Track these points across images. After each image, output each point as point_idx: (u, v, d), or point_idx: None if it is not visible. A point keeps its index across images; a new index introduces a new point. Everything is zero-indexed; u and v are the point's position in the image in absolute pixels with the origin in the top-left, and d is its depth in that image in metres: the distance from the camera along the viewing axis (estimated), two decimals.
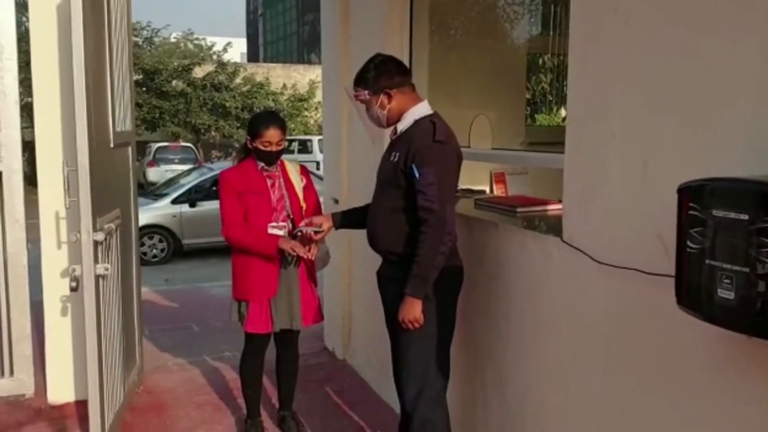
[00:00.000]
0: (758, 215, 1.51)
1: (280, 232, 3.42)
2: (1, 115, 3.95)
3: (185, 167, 20.17)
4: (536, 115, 11.45)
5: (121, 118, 3.87)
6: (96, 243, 3.23)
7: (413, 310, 2.66)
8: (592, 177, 2.37)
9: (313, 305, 3.62)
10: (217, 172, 12.94)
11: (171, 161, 21.92)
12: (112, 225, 3.55)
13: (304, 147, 23.65)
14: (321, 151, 22.89)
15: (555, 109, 10.60)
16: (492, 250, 3.01)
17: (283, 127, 3.47)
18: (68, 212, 3.72)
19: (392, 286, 2.82)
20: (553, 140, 5.08)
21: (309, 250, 3.34)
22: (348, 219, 3.29)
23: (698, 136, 1.91)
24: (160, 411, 4.10)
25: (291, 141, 24.56)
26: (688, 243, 1.70)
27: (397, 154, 2.75)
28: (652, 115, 2.09)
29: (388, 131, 3.02)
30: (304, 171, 3.69)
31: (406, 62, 4.03)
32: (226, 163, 19.06)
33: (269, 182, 3.49)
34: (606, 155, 2.29)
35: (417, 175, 2.63)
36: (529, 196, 3.66)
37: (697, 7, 1.91)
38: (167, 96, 25.59)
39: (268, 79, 28.06)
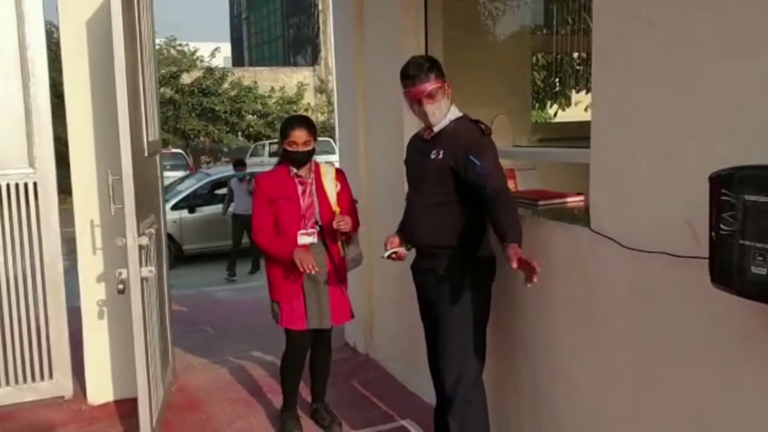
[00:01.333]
0: None
1: (309, 239, 3.55)
2: (35, 129, 4.09)
3: (177, 174, 20.24)
4: (543, 111, 11.69)
5: (152, 128, 4.03)
6: (140, 247, 3.39)
7: (519, 252, 2.53)
8: (618, 169, 2.57)
9: (343, 305, 3.76)
10: (214, 177, 13.08)
11: (163, 168, 21.97)
12: (152, 230, 3.71)
13: None
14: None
15: (549, 104, 10.84)
16: None
17: (309, 127, 3.57)
18: (108, 219, 3.88)
19: (431, 277, 3.02)
20: (559, 136, 5.33)
21: (314, 267, 3.42)
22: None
23: (721, 127, 2.11)
24: (195, 408, 4.26)
25: None
26: (721, 226, 1.90)
27: (442, 152, 2.95)
28: (675, 110, 2.29)
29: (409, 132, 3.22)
30: (340, 175, 3.76)
31: None
32: (222, 168, 19.21)
33: (300, 188, 3.59)
34: (632, 149, 2.49)
35: (479, 163, 2.83)
36: (547, 190, 3.85)
37: (719, 4, 2.11)
38: None
39: (255, 82, 28.16)
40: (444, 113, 3.02)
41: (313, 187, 3.62)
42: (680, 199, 2.24)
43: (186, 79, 26.61)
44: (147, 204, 3.79)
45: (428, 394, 3.60)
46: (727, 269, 1.91)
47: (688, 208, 2.17)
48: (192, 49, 34.00)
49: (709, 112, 2.16)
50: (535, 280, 2.46)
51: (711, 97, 2.15)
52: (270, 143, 25.08)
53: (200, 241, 11.22)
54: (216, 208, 11.46)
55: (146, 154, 3.82)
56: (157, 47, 27.55)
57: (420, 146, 3.13)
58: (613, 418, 2.70)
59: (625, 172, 2.53)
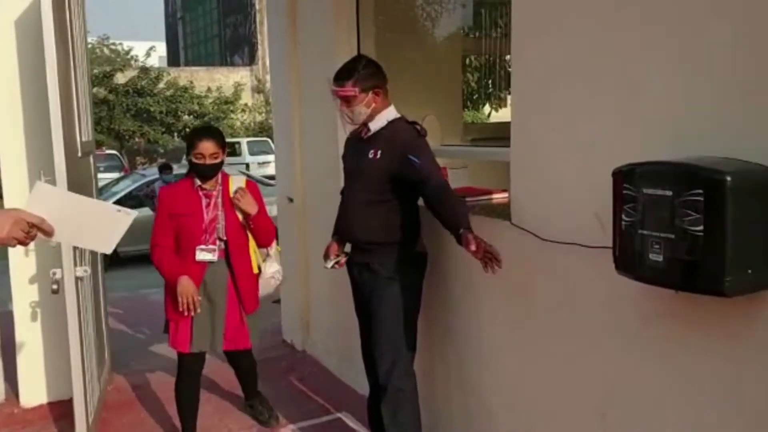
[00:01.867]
0: (680, 191, 1.88)
1: (209, 256, 3.39)
2: None
3: (112, 175, 19.84)
4: (464, 112, 11.94)
5: (85, 128, 4.02)
6: (74, 247, 3.40)
7: (475, 239, 2.69)
8: (535, 167, 2.74)
9: (240, 330, 3.55)
10: (149, 178, 12.89)
11: (96, 169, 21.53)
12: None
13: (233, 149, 23.60)
14: (250, 153, 23.07)
15: (481, 106, 11.12)
16: (447, 236, 3.33)
17: (217, 139, 3.41)
18: None
19: (366, 272, 3.14)
20: (489, 136, 5.51)
21: (195, 307, 3.34)
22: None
23: (626, 127, 2.29)
24: (132, 407, 4.28)
25: None
26: (623, 217, 2.07)
27: (380, 152, 3.06)
28: (586, 111, 2.46)
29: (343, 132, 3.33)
30: (252, 186, 3.57)
31: None
32: (154, 169, 18.89)
33: (205, 201, 3.43)
34: (547, 148, 2.66)
35: (417, 161, 2.95)
36: (475, 187, 4.01)
37: (624, 18, 2.29)
38: None
39: (192, 82, 27.85)
40: (360, 118, 3.12)
41: (219, 199, 3.45)
42: (590, 194, 2.41)
43: (120, 78, 26.13)
44: None
45: (363, 387, 3.70)
46: (629, 257, 2.08)
47: (597, 202, 2.34)
48: (126, 48, 33.35)
49: (614, 112, 2.34)
50: (497, 267, 2.62)
51: (616, 98, 2.33)
52: None
53: (136, 244, 10.98)
54: (150, 210, 11.29)
55: (79, 155, 3.82)
56: (90, 46, 27.05)
57: (357, 145, 3.24)
58: (534, 400, 2.87)
59: (541, 169, 2.70)
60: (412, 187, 3.02)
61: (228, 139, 25.44)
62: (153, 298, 7.55)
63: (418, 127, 3.12)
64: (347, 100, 3.08)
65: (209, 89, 28.00)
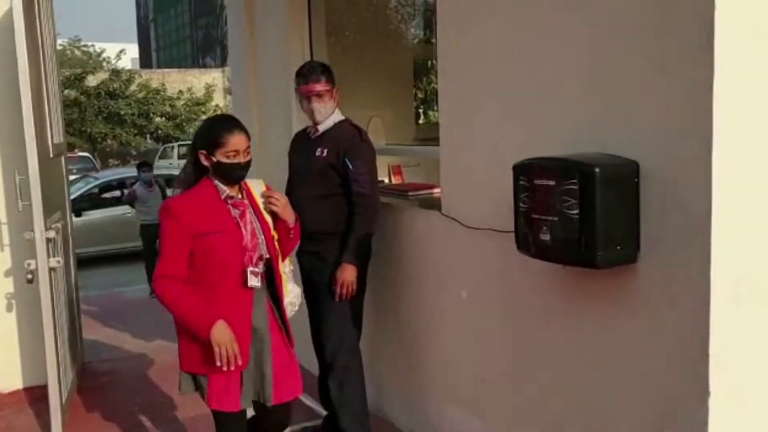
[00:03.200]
0: (561, 181, 2.25)
1: (256, 280, 2.66)
2: None
3: None
4: (429, 113, 12.27)
5: (57, 130, 4.31)
6: (48, 240, 3.70)
7: (351, 274, 3.32)
8: (459, 163, 3.10)
9: (289, 370, 2.83)
10: (101, 180, 12.82)
11: (68, 171, 21.54)
12: (59, 225, 4.01)
13: None
14: None
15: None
16: (390, 226, 3.69)
17: (245, 129, 2.71)
18: (16, 216, 4.12)
19: (316, 259, 3.46)
20: (437, 135, 5.87)
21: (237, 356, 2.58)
22: None
23: (527, 129, 2.66)
24: (103, 392, 4.57)
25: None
26: (521, 204, 2.44)
27: (326, 150, 3.38)
28: (499, 115, 2.83)
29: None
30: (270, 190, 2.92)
31: None
32: (111, 171, 18.81)
33: (235, 212, 2.68)
34: (469, 146, 3.02)
35: (351, 167, 3.30)
36: (419, 182, 4.37)
37: (523, 34, 2.66)
38: None
39: (164, 84, 27.97)
40: (329, 114, 3.44)
41: (250, 209, 2.76)
42: (501, 186, 2.76)
43: (92, 81, 26.17)
44: (53, 202, 4.08)
45: (315, 368, 3.99)
46: (525, 238, 2.44)
47: (506, 193, 2.70)
48: (98, 50, 33.33)
49: (518, 116, 2.71)
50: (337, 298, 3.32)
51: (520, 104, 2.70)
52: (179, 145, 24.96)
53: (89, 245, 10.89)
54: (106, 212, 11.43)
55: (51, 156, 4.11)
56: (61, 48, 26.85)
57: (305, 143, 3.55)
58: (465, 373, 3.23)
59: (463, 165, 3.07)
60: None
61: None
62: (126, 296, 7.86)
63: (362, 132, 3.46)
64: (320, 96, 3.37)
65: (181, 91, 28.12)
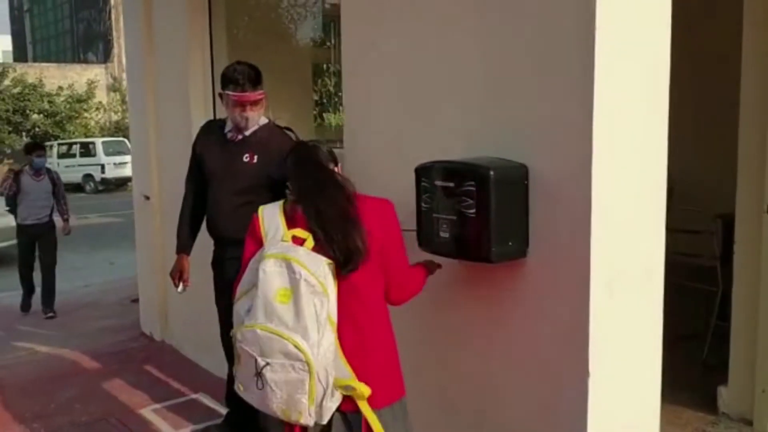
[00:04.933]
0: (459, 183, 2.44)
1: None
2: None
3: None
4: (325, 115, 12.38)
5: None
6: None
7: None
8: (361, 165, 3.24)
9: None
10: None
11: None
12: None
13: (87, 150, 22.82)
14: (106, 154, 22.37)
15: (341, 109, 11.61)
16: None
17: None
18: None
19: (237, 264, 3.47)
20: (338, 138, 6.00)
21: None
22: (192, 240, 3.62)
23: (430, 134, 2.84)
24: None
25: (72, 144, 23.58)
26: (423, 204, 2.61)
27: (257, 157, 3.32)
28: (402, 119, 2.99)
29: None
30: None
31: (208, 69, 4.71)
32: None
33: None
34: (373, 148, 3.17)
35: None
36: None
37: (426, 39, 2.84)
38: None
39: (41, 80, 26.61)
40: (258, 120, 3.38)
41: None
42: (407, 186, 2.92)
43: None
44: None
45: (220, 370, 4.01)
46: (427, 236, 2.62)
47: (410, 193, 2.87)
48: None
49: (421, 119, 2.88)
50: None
51: (423, 109, 2.87)
52: (59, 144, 23.85)
53: None
54: None
55: None
56: None
57: (223, 144, 3.41)
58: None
59: (368, 167, 3.21)
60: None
61: (81, 140, 24.56)
62: (4, 302, 7.50)
63: (293, 134, 3.44)
64: (255, 103, 3.30)
65: (61, 87, 26.85)
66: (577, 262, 2.29)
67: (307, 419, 2.09)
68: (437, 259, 2.64)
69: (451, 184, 2.47)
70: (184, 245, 3.60)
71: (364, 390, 2.15)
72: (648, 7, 2.36)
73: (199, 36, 4.62)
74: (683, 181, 5.68)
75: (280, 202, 2.32)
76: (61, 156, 23.27)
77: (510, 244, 2.42)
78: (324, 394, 2.07)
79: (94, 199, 20.15)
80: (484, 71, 2.58)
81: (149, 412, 4.16)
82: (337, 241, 2.14)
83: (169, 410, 4.17)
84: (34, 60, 39.07)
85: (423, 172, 2.61)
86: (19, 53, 43.11)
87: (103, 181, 22.18)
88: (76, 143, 23.52)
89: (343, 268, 2.14)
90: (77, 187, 22.31)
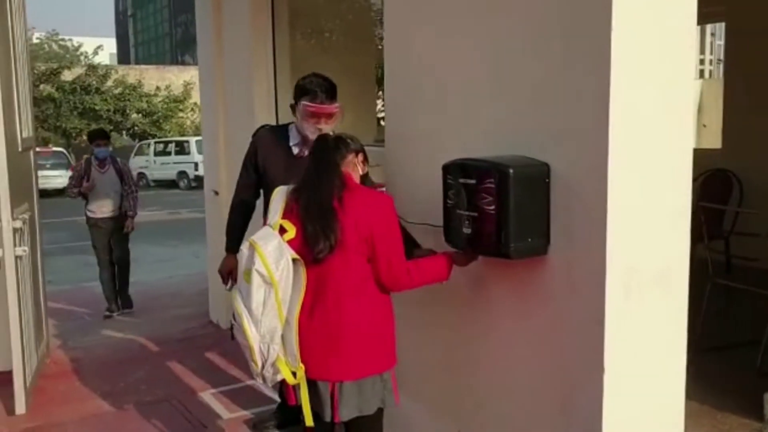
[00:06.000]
0: (480, 180, 2.49)
1: None
2: None
3: (57, 172, 19.99)
4: None
5: (26, 125, 4.49)
6: (15, 229, 3.88)
7: None
8: (401, 164, 3.34)
9: None
10: None
11: (42, 167, 21.49)
12: (26, 216, 4.19)
13: (181, 148, 23.86)
14: (199, 152, 23.32)
15: None
16: None
17: None
18: None
19: None
20: None
21: None
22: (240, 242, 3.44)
23: (459, 133, 2.91)
24: (68, 377, 4.76)
25: (167, 143, 24.72)
26: (448, 201, 2.68)
27: None
28: (438, 120, 3.07)
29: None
30: None
31: (271, 74, 4.91)
32: None
33: None
34: (410, 150, 3.27)
35: None
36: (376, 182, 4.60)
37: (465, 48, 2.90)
38: (35, 101, 25.04)
39: (140, 81, 27.96)
40: None
41: None
42: (435, 185, 3.00)
43: (68, 76, 26.10)
44: (21, 193, 4.26)
45: None
46: (451, 231, 2.69)
47: (439, 191, 2.94)
48: (75, 45, 33.19)
49: (452, 120, 2.95)
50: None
51: (454, 109, 2.94)
52: (156, 142, 25.04)
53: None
54: None
55: (20, 149, 4.29)
56: (38, 41, 26.64)
57: (290, 160, 3.38)
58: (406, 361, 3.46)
59: (404, 165, 3.31)
60: None
61: (176, 138, 25.56)
62: (95, 290, 7.99)
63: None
64: (330, 117, 3.28)
65: (158, 88, 28.14)
66: (593, 261, 2.30)
67: (261, 379, 2.50)
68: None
69: (473, 181, 2.53)
70: (233, 246, 3.57)
71: (284, 370, 2.45)
72: (670, 3, 2.34)
73: (262, 42, 4.84)
74: (750, 181, 5.52)
75: (292, 187, 2.57)
76: (157, 154, 24.45)
77: (530, 240, 2.45)
78: (263, 365, 2.41)
79: (187, 195, 21.03)
80: (516, 75, 2.63)
81: (208, 396, 4.39)
82: (311, 234, 2.43)
83: (227, 395, 4.39)
84: (136, 62, 41.11)
85: (448, 170, 2.68)
86: (123, 56, 45.47)
87: (196, 178, 23.13)
88: (171, 142, 24.63)
89: (314, 257, 2.44)
90: (172, 184, 23.41)
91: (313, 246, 2.43)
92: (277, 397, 4.09)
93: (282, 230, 2.47)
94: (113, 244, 6.45)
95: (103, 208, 6.32)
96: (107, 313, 6.47)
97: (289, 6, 5.01)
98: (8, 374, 4.12)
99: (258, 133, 3.67)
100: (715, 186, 4.80)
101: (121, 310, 6.53)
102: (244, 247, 2.44)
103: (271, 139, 3.54)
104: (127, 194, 6.38)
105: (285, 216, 2.50)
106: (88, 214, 6.38)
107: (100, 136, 6.45)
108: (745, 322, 4.21)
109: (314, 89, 3.26)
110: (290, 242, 2.44)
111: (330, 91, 3.28)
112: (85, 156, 6.67)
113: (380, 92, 6.53)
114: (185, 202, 18.60)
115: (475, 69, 2.81)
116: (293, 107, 3.38)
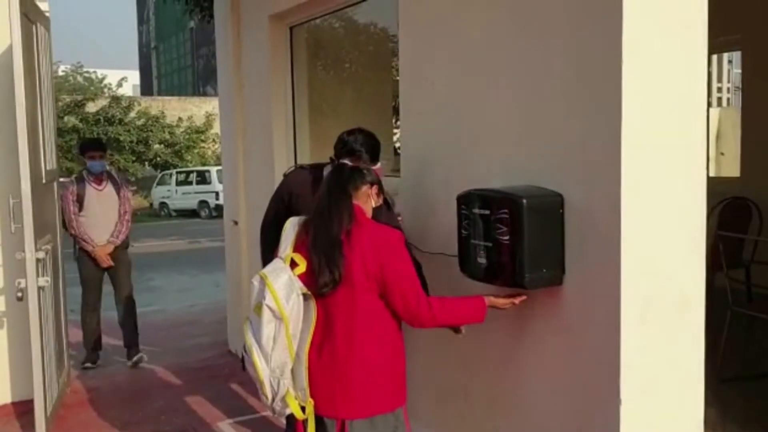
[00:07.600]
0: (494, 210, 2.51)
1: None
2: None
3: None
4: None
5: (50, 157, 4.58)
6: (38, 260, 3.95)
7: None
8: (416, 193, 3.37)
9: None
10: None
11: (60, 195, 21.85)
12: (48, 246, 4.26)
13: (203, 178, 24.09)
14: (220, 182, 23.54)
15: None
16: None
17: None
18: (9, 237, 4.36)
19: None
20: None
21: None
22: None
23: (472, 164, 2.93)
24: (88, 406, 4.79)
25: (189, 172, 25.00)
26: (462, 231, 2.70)
27: None
28: (451, 152, 3.10)
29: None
30: None
31: (290, 105, 4.99)
32: None
33: None
34: (425, 177, 3.30)
35: None
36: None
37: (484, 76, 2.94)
38: (60, 132, 25.48)
39: (163, 112, 28.35)
40: None
41: None
42: (449, 215, 3.03)
43: (92, 107, 26.55)
44: (44, 224, 4.34)
45: None
46: (466, 261, 2.71)
47: (454, 221, 2.96)
48: (100, 77, 33.80)
49: (465, 151, 2.98)
50: None
51: (468, 139, 2.97)
52: (177, 172, 25.32)
53: None
54: None
55: (44, 181, 4.37)
56: (63, 74, 27.00)
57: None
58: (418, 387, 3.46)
59: (420, 195, 3.33)
60: None
61: (198, 168, 25.74)
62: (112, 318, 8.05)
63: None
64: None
65: (180, 119, 28.51)
66: (609, 291, 2.31)
67: (272, 411, 2.49)
68: (477, 285, 2.71)
69: (487, 212, 2.55)
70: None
71: (293, 405, 2.42)
72: (679, 34, 2.37)
73: (281, 73, 4.92)
74: None
75: (304, 218, 2.55)
76: (179, 183, 24.71)
77: (545, 271, 2.47)
78: (273, 399, 2.42)
79: (207, 224, 21.16)
80: (524, 108, 2.66)
81: (226, 426, 4.40)
82: (316, 268, 2.40)
83: (244, 425, 4.39)
84: (159, 93, 41.75)
85: (462, 200, 2.70)
86: (146, 87, 46.27)
87: (217, 207, 23.30)
88: (192, 171, 24.88)
89: (318, 291, 2.40)
90: (193, 213, 23.60)
91: (317, 279, 2.39)
92: None
93: (293, 264, 2.44)
94: (114, 281, 5.53)
95: (103, 237, 5.32)
96: (88, 364, 5.51)
97: (307, 37, 5.10)
98: (30, 403, 4.17)
99: (293, 172, 3.55)
100: (733, 214, 4.77)
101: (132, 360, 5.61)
102: (255, 281, 2.42)
103: (306, 180, 3.34)
104: (120, 215, 5.41)
105: (296, 248, 2.47)
106: (83, 244, 5.30)
107: (93, 147, 5.44)
108: (766, 352, 4.16)
109: (359, 149, 3.16)
110: (301, 276, 2.42)
111: (373, 151, 3.20)
112: (74, 174, 5.58)
113: (397, 122, 6.59)
114: (206, 231, 18.72)
115: (491, 103, 2.84)
116: (332, 159, 3.21)
